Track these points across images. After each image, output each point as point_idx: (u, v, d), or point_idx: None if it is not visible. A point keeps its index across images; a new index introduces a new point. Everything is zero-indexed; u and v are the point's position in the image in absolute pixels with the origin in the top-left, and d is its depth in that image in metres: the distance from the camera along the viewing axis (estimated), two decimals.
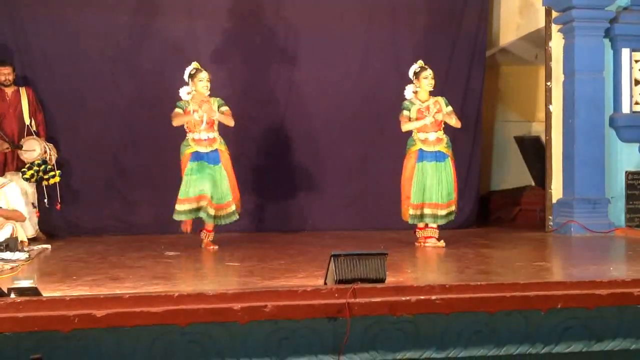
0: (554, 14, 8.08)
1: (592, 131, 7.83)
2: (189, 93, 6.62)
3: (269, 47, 8.26)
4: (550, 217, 8.18)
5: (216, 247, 6.45)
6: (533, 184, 10.35)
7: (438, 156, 6.58)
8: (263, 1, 8.32)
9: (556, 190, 8.16)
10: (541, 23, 8.32)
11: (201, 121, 6.51)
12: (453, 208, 6.65)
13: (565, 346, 4.23)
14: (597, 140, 7.86)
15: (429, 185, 6.52)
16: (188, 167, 6.53)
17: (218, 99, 6.65)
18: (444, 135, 6.66)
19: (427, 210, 6.55)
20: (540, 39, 8.47)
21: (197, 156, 6.54)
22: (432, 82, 6.67)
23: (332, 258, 4.07)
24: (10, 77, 7.34)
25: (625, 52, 7.93)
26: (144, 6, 8.12)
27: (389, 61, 8.60)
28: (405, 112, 6.72)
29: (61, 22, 7.92)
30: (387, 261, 4.15)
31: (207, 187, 6.44)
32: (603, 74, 7.90)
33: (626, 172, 7.95)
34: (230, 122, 6.65)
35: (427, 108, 6.64)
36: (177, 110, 6.59)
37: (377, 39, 8.58)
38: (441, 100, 6.74)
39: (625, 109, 7.95)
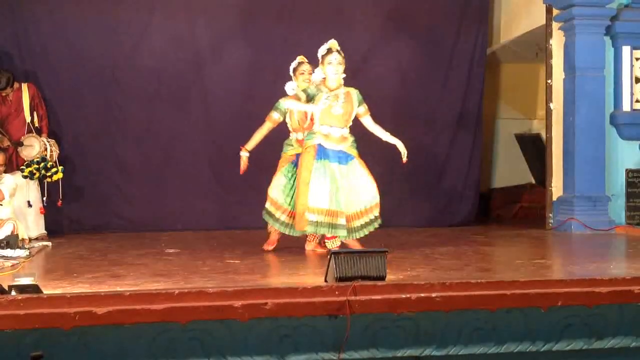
0: (555, 11, 8.08)
1: (593, 129, 7.84)
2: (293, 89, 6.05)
3: (269, 47, 8.26)
4: (551, 215, 8.18)
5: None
6: (533, 181, 10.37)
7: (341, 157, 5.73)
8: (264, 1, 8.32)
9: (556, 187, 8.16)
10: (542, 21, 8.32)
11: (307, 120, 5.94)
12: (373, 216, 5.74)
13: (566, 344, 4.23)
14: (598, 138, 7.86)
15: (334, 190, 5.63)
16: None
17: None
18: (350, 135, 5.83)
19: (335, 220, 5.62)
20: (540, 37, 8.47)
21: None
22: (340, 68, 5.71)
23: (332, 256, 4.07)
24: (9, 91, 7.30)
25: (625, 50, 7.93)
26: (144, 2, 8.12)
27: (390, 60, 8.61)
28: (300, 94, 5.76)
29: (62, 18, 7.94)
30: (387, 259, 4.16)
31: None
32: (604, 72, 7.90)
33: (626, 169, 7.95)
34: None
35: (337, 97, 5.75)
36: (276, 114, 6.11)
37: (378, 38, 8.57)
38: (354, 93, 5.86)
39: (626, 106, 7.95)
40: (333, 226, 5.65)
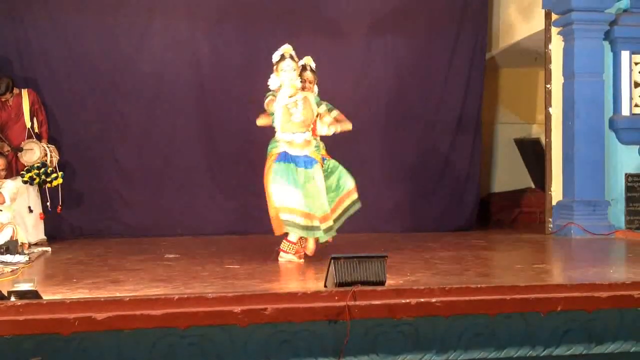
0: (554, 16, 8.10)
1: (592, 133, 7.84)
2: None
3: (269, 51, 8.24)
4: (550, 220, 8.18)
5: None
6: (533, 186, 10.37)
7: (307, 162, 5.68)
8: (263, 4, 8.33)
9: (556, 192, 8.17)
10: (541, 25, 8.33)
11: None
12: (331, 224, 5.71)
13: (566, 349, 4.23)
14: (597, 142, 7.86)
15: (303, 193, 5.61)
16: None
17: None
18: (313, 138, 5.81)
19: (311, 222, 5.64)
20: (540, 42, 8.48)
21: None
22: (294, 74, 5.67)
23: (332, 261, 4.07)
24: (8, 97, 7.29)
25: (624, 55, 7.94)
26: (143, 7, 8.14)
27: (389, 63, 8.62)
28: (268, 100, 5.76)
29: (62, 23, 7.95)
30: (387, 264, 4.16)
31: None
32: (603, 77, 7.91)
33: (626, 174, 7.96)
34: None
35: (295, 104, 5.70)
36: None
37: (378, 42, 8.59)
38: (311, 96, 5.81)
39: (625, 111, 7.96)
40: (310, 228, 5.62)
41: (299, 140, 5.71)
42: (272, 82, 5.76)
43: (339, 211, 5.87)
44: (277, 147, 5.73)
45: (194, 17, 8.23)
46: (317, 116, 5.85)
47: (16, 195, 6.69)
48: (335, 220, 5.81)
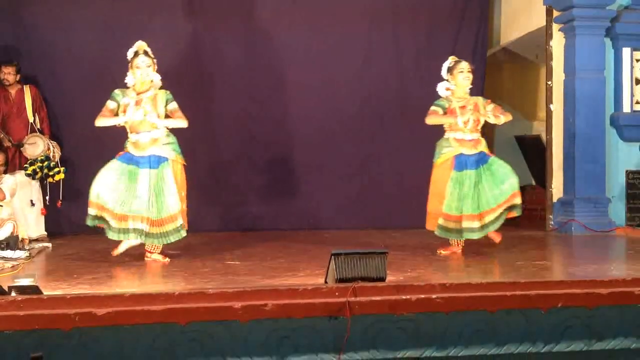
0: (555, 13, 8.09)
1: (593, 130, 7.84)
2: (447, 89, 6.04)
3: (271, 47, 8.26)
4: (551, 217, 8.18)
5: None
6: (534, 183, 10.35)
7: (152, 161, 5.58)
8: (264, 1, 8.31)
9: (557, 189, 8.17)
10: (542, 22, 8.32)
11: (467, 120, 5.96)
12: (179, 224, 5.65)
13: (566, 345, 4.23)
14: (598, 139, 7.86)
15: (128, 196, 5.56)
16: (451, 175, 5.96)
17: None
18: (167, 136, 5.69)
19: (124, 224, 5.61)
20: (541, 38, 8.47)
21: (460, 162, 5.99)
22: (148, 71, 5.55)
23: (332, 257, 4.07)
24: (10, 78, 7.27)
25: (626, 51, 7.94)
26: (144, 5, 8.12)
27: (391, 61, 8.61)
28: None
29: (62, 20, 7.92)
30: (387, 260, 4.16)
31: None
32: (604, 73, 7.91)
33: (627, 171, 7.96)
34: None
35: (139, 102, 5.58)
36: (435, 108, 6.02)
37: (379, 39, 8.57)
38: (162, 94, 5.67)
39: (626, 108, 7.96)
40: (124, 231, 5.55)
41: (145, 140, 5.58)
42: (128, 79, 5.64)
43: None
44: (126, 145, 5.66)
45: (195, 13, 8.21)
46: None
47: (15, 191, 6.68)
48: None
